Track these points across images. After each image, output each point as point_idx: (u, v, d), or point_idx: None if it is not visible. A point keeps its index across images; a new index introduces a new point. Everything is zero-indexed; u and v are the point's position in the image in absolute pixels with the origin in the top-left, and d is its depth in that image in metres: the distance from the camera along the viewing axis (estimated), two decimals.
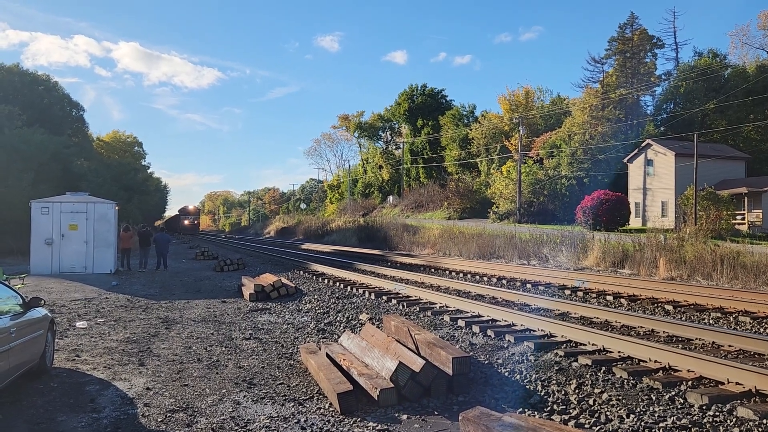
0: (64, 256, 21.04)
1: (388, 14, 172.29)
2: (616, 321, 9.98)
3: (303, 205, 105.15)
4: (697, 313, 11.21)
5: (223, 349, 9.16)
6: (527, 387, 6.64)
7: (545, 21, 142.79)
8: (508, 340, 8.63)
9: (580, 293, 14.13)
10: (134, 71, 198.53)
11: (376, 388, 6.07)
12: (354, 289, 15.35)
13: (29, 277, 19.08)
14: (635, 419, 5.46)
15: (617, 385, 6.44)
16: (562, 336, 8.63)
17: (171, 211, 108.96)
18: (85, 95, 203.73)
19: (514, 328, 9.50)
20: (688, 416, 5.46)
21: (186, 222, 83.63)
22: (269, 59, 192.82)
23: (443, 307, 11.96)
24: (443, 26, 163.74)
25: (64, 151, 37.08)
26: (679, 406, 5.74)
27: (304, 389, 6.90)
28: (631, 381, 6.53)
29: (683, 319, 10.71)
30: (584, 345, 8.13)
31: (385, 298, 13.50)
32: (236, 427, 5.60)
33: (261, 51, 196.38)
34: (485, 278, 18.19)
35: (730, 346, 7.98)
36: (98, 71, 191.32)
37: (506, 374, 7.14)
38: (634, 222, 42.41)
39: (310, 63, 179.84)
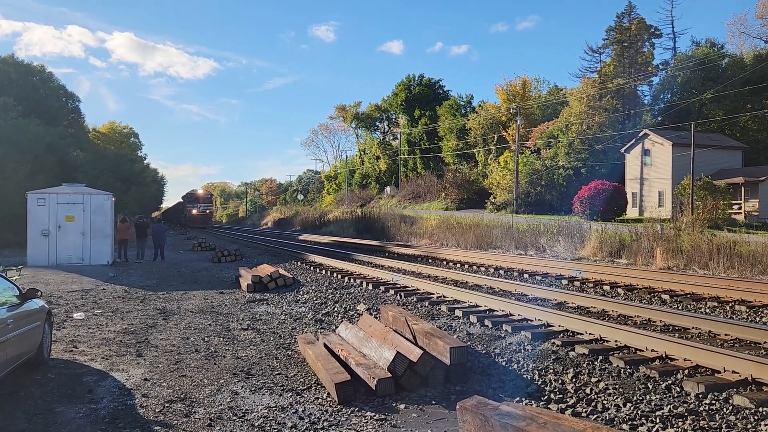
0: (61, 247, 21.00)
1: (383, 3, 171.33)
2: (613, 310, 10.01)
3: (300, 196, 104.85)
4: (694, 303, 11.25)
5: (221, 339, 9.17)
6: (524, 376, 6.66)
7: (541, 10, 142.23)
8: (506, 330, 8.65)
9: (577, 283, 14.17)
10: (129, 62, 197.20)
11: (373, 377, 6.08)
12: (351, 280, 15.35)
13: (26, 268, 19.05)
14: (632, 408, 5.48)
15: (614, 374, 6.46)
16: (559, 325, 8.66)
17: (168, 201, 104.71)
18: (80, 86, 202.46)
19: (511, 318, 9.52)
20: (685, 405, 5.49)
21: (194, 211, 67.35)
22: (265, 49, 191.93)
23: (441, 297, 11.98)
24: (439, 15, 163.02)
25: (59, 143, 36.92)
26: (676, 395, 5.77)
27: (302, 379, 6.91)
28: (628, 370, 6.56)
29: (680, 308, 10.75)
30: (581, 334, 8.15)
31: (382, 288, 13.51)
32: (234, 418, 5.61)
33: (257, 41, 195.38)
34: (483, 268, 18.22)
35: (726, 335, 8.02)
36: (93, 62, 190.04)
37: (504, 364, 7.16)
38: (631, 212, 42.50)
39: (306, 53, 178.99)
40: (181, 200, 77.36)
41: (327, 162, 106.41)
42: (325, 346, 7.51)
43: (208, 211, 70.14)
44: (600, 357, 7.03)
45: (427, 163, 69.65)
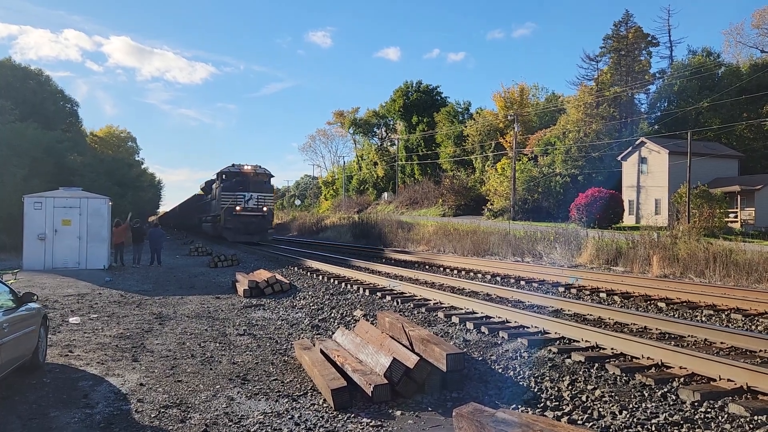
0: (57, 251, 20.93)
1: (379, 10, 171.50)
2: (609, 318, 10.02)
3: (297, 201, 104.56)
4: (690, 311, 11.27)
5: (217, 345, 9.15)
6: (521, 383, 6.66)
7: (538, 17, 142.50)
8: (502, 337, 8.65)
9: (573, 290, 14.18)
10: (126, 66, 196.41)
11: (370, 384, 6.07)
12: (348, 286, 15.34)
13: (22, 272, 18.99)
14: (628, 415, 5.49)
15: (610, 382, 6.47)
16: (555, 333, 8.66)
17: (165, 206, 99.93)
18: (77, 89, 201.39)
19: (508, 324, 9.52)
20: (680, 412, 5.50)
21: (237, 208, 34.73)
22: (262, 54, 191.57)
23: (437, 303, 11.98)
24: (435, 22, 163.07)
25: (57, 146, 36.82)
26: (672, 403, 5.77)
27: (298, 385, 6.90)
28: (624, 377, 6.56)
29: (676, 316, 10.77)
30: (577, 342, 8.16)
31: (379, 294, 13.50)
32: (230, 423, 5.60)
33: (254, 46, 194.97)
34: (479, 275, 18.22)
35: (722, 343, 8.03)
36: (89, 65, 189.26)
37: (500, 371, 7.16)
38: (628, 219, 42.60)
39: (303, 58, 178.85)
40: (201, 192, 47.40)
41: (324, 167, 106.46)
42: (322, 352, 7.50)
43: (266, 209, 36.05)
44: (596, 364, 7.04)
45: (425, 169, 69.75)
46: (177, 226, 61.49)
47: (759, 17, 55.18)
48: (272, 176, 37.52)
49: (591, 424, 5.40)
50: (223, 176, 36.18)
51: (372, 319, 10.59)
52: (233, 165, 36.32)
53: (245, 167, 36.11)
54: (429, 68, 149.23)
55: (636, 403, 5.79)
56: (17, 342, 6.48)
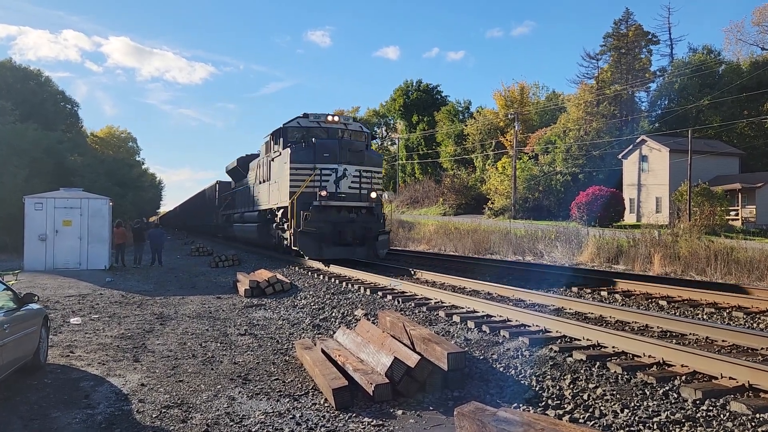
0: (58, 252, 20.95)
1: (377, 9, 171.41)
2: (610, 316, 10.01)
3: None
4: (691, 309, 11.26)
5: (218, 345, 9.15)
6: (522, 382, 6.65)
7: (537, 16, 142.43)
8: (503, 336, 8.63)
9: (574, 289, 14.16)
10: (126, 66, 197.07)
11: (371, 383, 6.07)
12: (349, 285, 15.33)
13: (23, 273, 19.01)
14: (629, 414, 5.48)
15: (611, 380, 6.46)
16: (556, 331, 8.65)
17: (167, 206, 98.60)
18: (76, 90, 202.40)
19: (509, 323, 9.51)
20: (682, 411, 5.49)
21: (322, 194, 18.07)
22: (262, 54, 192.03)
23: (438, 302, 11.96)
24: (434, 20, 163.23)
25: (57, 147, 36.88)
26: (673, 401, 5.76)
27: (300, 385, 6.90)
28: (625, 376, 6.55)
29: (677, 314, 10.75)
30: (579, 340, 8.15)
31: (380, 293, 13.49)
32: (231, 423, 5.60)
33: (254, 45, 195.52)
34: (480, 274, 18.19)
35: (723, 341, 8.02)
36: (89, 66, 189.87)
37: (501, 369, 7.15)
38: (629, 218, 42.61)
39: (303, 57, 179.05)
40: (228, 178, 33.68)
41: None
42: (323, 351, 7.50)
43: (374, 195, 18.98)
44: (597, 363, 7.02)
45: (425, 168, 69.79)
46: (183, 227, 55.39)
47: (759, 15, 55.19)
48: (374, 137, 23.72)
49: (592, 422, 5.39)
50: (287, 136, 19.98)
51: (373, 318, 10.58)
52: (305, 115, 20.20)
53: (329, 117, 20.18)
54: (429, 67, 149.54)
55: (637, 402, 5.78)
56: (18, 343, 6.48)
